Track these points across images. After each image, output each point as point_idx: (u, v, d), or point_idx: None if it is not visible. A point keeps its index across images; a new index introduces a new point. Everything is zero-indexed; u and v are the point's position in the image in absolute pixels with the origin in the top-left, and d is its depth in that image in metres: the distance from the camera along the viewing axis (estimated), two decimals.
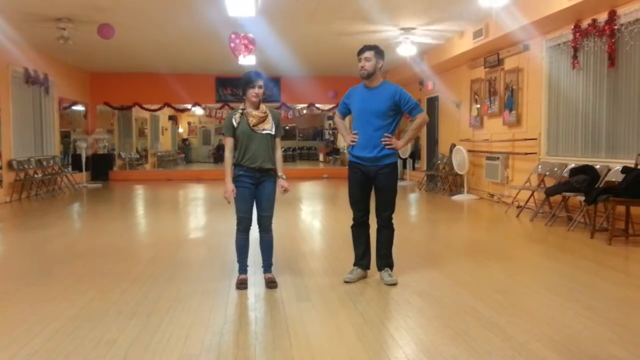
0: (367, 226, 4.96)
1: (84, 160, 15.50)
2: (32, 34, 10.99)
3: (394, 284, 4.73)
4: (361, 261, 4.95)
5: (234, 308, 4.26)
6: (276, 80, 18.15)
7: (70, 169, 15.30)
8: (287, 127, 30.93)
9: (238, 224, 4.76)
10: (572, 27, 8.33)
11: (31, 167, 12.32)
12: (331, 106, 19.48)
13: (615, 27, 7.50)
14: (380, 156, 4.70)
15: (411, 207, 11.12)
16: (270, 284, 4.72)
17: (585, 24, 8.10)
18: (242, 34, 9.45)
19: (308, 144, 31.58)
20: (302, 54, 13.58)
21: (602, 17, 7.70)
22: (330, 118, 29.23)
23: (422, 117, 4.82)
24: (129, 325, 3.79)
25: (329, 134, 30.56)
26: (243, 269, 4.81)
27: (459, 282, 4.89)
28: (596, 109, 8.11)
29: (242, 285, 4.69)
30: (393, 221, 4.87)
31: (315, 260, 5.94)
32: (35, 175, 12.44)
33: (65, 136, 17.04)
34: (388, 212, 4.81)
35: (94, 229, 8.49)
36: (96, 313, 4.06)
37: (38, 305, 4.30)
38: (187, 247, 6.94)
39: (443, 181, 13.31)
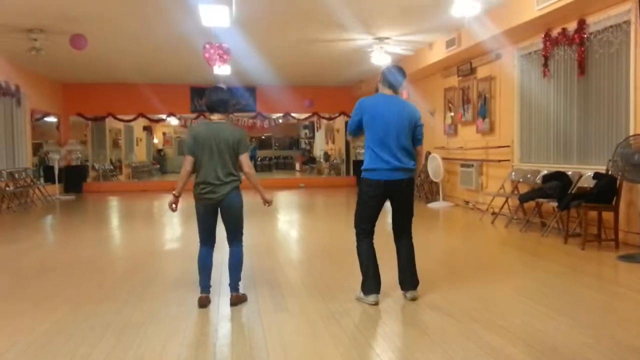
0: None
1: (56, 172, 15.27)
2: (3, 45, 10.84)
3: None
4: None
5: (210, 320, 4.22)
6: (251, 90, 18.13)
7: (42, 181, 15.05)
8: (263, 137, 30.98)
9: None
10: (543, 36, 8.47)
11: (2, 179, 12.10)
12: (307, 115, 19.53)
13: (585, 36, 7.65)
14: None
15: (387, 216, 11.14)
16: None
17: (555, 33, 8.25)
18: (217, 44, 9.42)
19: (284, 154, 31.57)
20: (277, 63, 13.58)
21: (572, 26, 7.85)
22: (306, 127, 29.34)
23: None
24: (102, 339, 3.73)
25: (305, 143, 30.61)
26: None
27: (434, 288, 4.90)
28: (567, 117, 8.25)
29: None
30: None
31: (292, 270, 5.92)
32: (7, 188, 12.22)
33: (37, 148, 16.77)
34: None
35: (67, 242, 8.35)
36: (69, 327, 3.98)
37: (9, 319, 4.22)
38: (162, 258, 6.87)
39: (419, 189, 13.36)
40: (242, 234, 4.66)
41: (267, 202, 4.70)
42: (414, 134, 4.53)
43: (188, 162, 4.54)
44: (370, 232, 4.60)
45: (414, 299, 4.53)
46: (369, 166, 4.47)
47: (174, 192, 4.56)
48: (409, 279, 4.60)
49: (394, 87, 4.62)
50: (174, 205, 4.57)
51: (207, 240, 4.62)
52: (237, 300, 4.55)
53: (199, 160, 4.49)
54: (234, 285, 4.59)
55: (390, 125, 4.42)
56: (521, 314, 4.26)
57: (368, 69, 13.40)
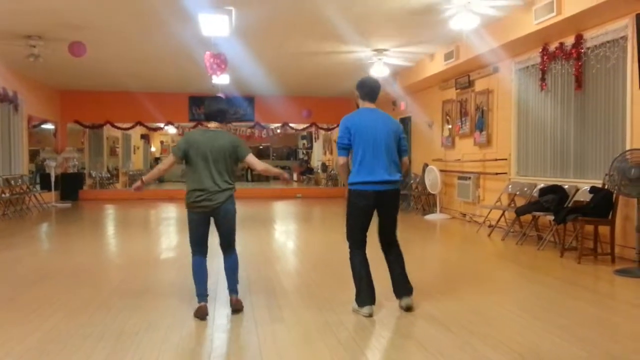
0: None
1: (53, 179, 15.23)
2: (1, 51, 10.84)
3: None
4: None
5: (205, 330, 4.20)
6: (250, 100, 18.16)
7: (38, 188, 15.01)
8: (261, 147, 30.99)
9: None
10: (540, 50, 8.52)
11: None
12: (305, 125, 19.56)
13: (582, 51, 7.69)
14: None
15: None
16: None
17: (552, 47, 8.30)
18: (216, 53, 9.44)
19: (282, 164, 31.53)
20: (276, 73, 13.62)
21: (569, 40, 7.90)
22: (304, 137, 29.35)
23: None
24: (97, 347, 3.71)
25: (303, 153, 30.61)
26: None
27: (431, 300, 4.89)
28: (564, 130, 8.28)
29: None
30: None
31: (288, 280, 5.91)
32: (3, 195, 12.18)
33: (34, 155, 16.73)
34: None
35: (62, 250, 8.32)
36: (64, 335, 3.96)
37: (4, 327, 4.19)
38: (158, 267, 6.84)
39: (416, 201, 13.39)
40: (235, 240, 4.71)
41: (287, 179, 5.02)
42: (399, 145, 4.66)
43: (169, 161, 4.63)
44: (363, 244, 4.62)
45: (409, 307, 4.53)
46: (359, 179, 4.49)
47: (142, 177, 4.68)
48: (402, 286, 4.63)
49: (373, 98, 4.70)
50: (136, 186, 4.66)
51: (201, 249, 4.62)
52: (239, 303, 4.55)
53: (193, 166, 4.51)
54: (233, 287, 4.60)
55: (378, 139, 4.50)
56: (517, 327, 4.25)
57: None
